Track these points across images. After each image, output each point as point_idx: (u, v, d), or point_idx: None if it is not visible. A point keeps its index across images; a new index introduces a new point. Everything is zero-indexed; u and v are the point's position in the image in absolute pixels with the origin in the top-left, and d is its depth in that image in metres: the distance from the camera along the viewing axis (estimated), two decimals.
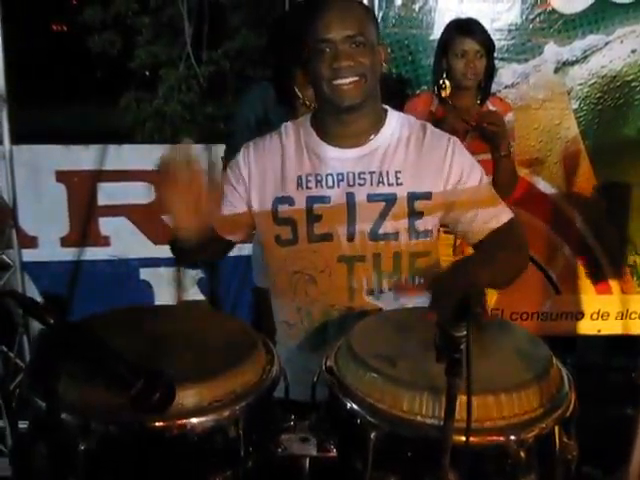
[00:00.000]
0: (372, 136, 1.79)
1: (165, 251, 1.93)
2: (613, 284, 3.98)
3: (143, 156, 3.97)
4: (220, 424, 1.24)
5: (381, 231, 1.75)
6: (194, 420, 1.21)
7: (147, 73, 6.83)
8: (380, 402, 1.23)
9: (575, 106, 3.68)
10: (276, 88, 2.83)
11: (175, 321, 1.51)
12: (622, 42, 3.64)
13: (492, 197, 1.82)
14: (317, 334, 1.81)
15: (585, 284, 3.98)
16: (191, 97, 6.27)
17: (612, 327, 4.01)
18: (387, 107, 1.86)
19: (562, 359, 1.40)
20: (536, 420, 1.22)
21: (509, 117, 3.00)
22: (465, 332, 1.07)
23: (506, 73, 3.56)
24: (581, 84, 3.66)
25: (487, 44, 2.88)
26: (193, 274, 3.80)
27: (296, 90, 2.83)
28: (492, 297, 3.71)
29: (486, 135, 2.74)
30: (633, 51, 3.67)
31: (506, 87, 3.57)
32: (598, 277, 3.99)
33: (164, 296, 3.71)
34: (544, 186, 3.75)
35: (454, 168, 1.77)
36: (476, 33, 2.86)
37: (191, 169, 1.52)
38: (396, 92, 3.37)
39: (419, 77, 3.47)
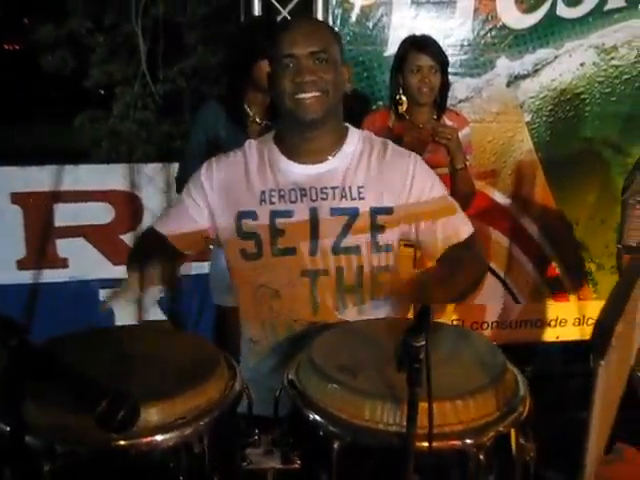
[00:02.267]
0: (335, 152, 1.82)
1: (125, 271, 1.93)
2: (570, 291, 4.07)
3: (100, 176, 3.97)
4: (185, 440, 1.24)
5: (343, 245, 1.77)
6: (159, 437, 1.21)
7: (102, 92, 6.79)
8: (342, 412, 1.25)
9: (528, 119, 3.78)
10: (228, 106, 2.84)
11: (137, 341, 1.51)
12: (571, 56, 3.76)
13: (454, 212, 1.85)
14: (281, 350, 1.82)
15: (543, 292, 4.07)
16: (147, 115, 6.24)
17: (570, 333, 4.10)
18: (348, 125, 1.89)
19: (523, 367, 1.44)
20: (493, 424, 1.24)
21: (465, 131, 3.06)
22: (424, 342, 1.09)
23: (460, 88, 3.64)
24: (533, 97, 3.76)
25: (441, 60, 2.94)
26: (154, 294, 3.77)
27: (247, 108, 2.85)
28: (452, 308, 3.75)
29: (447, 148, 2.81)
30: (582, 64, 3.78)
31: (460, 101, 3.65)
32: (555, 285, 4.07)
33: (125, 317, 3.68)
34: (500, 197, 3.83)
35: (416, 184, 1.80)
36: (430, 49, 2.92)
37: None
38: (353, 108, 3.40)
39: (375, 93, 3.53)
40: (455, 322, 3.87)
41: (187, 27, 6.45)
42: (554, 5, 3.67)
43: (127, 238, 3.87)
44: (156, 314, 3.76)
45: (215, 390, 1.31)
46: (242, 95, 2.82)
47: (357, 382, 1.28)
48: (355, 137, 1.86)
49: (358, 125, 2.94)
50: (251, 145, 1.88)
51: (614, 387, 1.17)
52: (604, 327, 0.89)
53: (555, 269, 4.04)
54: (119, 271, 3.54)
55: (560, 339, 4.11)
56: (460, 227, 1.84)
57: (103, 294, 3.73)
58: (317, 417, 1.27)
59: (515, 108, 3.74)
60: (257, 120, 2.83)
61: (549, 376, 3.84)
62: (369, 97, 3.53)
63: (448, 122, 3.02)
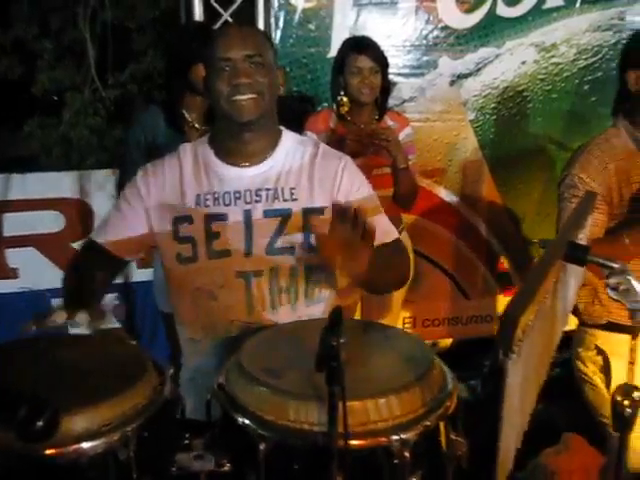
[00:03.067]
0: (268, 155, 1.84)
1: None
2: (518, 285, 4.13)
3: (50, 184, 3.92)
4: (111, 447, 1.23)
5: (277, 246, 1.79)
6: (85, 445, 1.21)
7: (55, 98, 6.69)
8: (268, 414, 1.26)
9: (472, 117, 3.83)
10: (166, 111, 2.83)
11: (70, 349, 1.50)
12: (512, 54, 3.82)
13: (378, 212, 1.89)
14: (221, 350, 1.83)
15: (493, 288, 4.12)
16: (98, 121, 6.16)
17: None
18: (282, 127, 1.91)
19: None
20: (418, 420, 1.26)
21: (407, 131, 3.09)
22: (341, 341, 1.11)
23: (404, 88, 3.68)
24: (476, 96, 3.81)
25: (381, 60, 2.97)
26: (108, 301, 3.75)
27: (184, 113, 2.85)
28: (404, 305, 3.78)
29: (387, 149, 2.84)
30: (523, 62, 3.85)
31: (405, 101, 3.69)
32: (505, 280, 4.13)
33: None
34: (447, 195, 3.88)
35: (343, 184, 1.84)
36: (370, 50, 2.94)
37: None
38: (298, 110, 3.42)
39: (319, 94, 3.54)
40: (407, 320, 3.92)
41: (136, 31, 6.39)
42: (494, 5, 3.73)
43: (78, 246, 3.82)
44: (111, 321, 3.74)
45: (142, 396, 1.31)
46: (180, 100, 2.82)
47: (282, 383, 1.30)
48: (288, 139, 1.88)
49: (302, 126, 2.99)
50: (186, 149, 1.89)
51: (531, 379, 1.20)
52: (509, 320, 0.91)
53: (504, 264, 4.10)
54: None
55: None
56: (389, 228, 1.89)
57: (55, 304, 3.69)
58: (244, 420, 1.28)
59: (459, 107, 3.79)
60: (196, 125, 2.82)
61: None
62: (313, 98, 3.54)
63: (390, 122, 3.05)
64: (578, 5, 3.88)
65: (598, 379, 2.23)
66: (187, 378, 1.89)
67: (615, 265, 1.25)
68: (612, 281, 1.24)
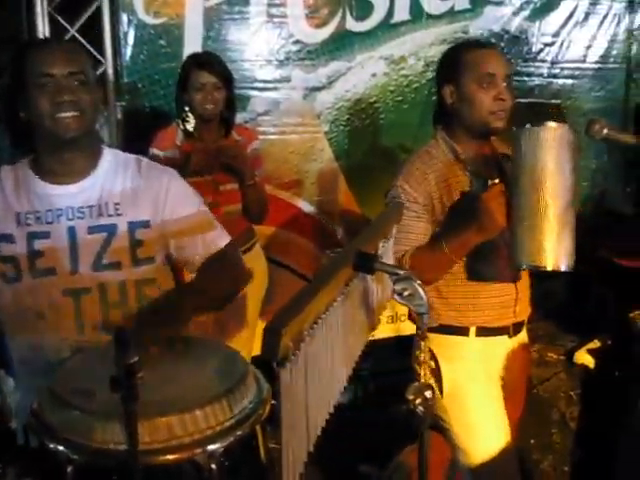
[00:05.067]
0: (91, 171, 1.84)
1: None
2: None
3: None
4: None
5: (104, 262, 1.80)
6: None
7: None
8: (76, 436, 1.27)
9: (326, 129, 3.93)
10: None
11: None
12: (363, 67, 3.95)
13: (209, 225, 1.92)
14: (51, 370, 1.81)
15: None
16: None
17: (385, 331, 4.28)
18: (102, 145, 1.92)
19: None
20: (224, 432, 1.30)
21: (255, 145, 3.13)
22: (134, 360, 1.13)
23: (258, 102, 3.74)
24: (329, 108, 3.92)
25: (225, 75, 2.99)
26: None
27: None
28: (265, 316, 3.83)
29: (229, 168, 2.88)
30: (373, 75, 3.99)
31: (259, 115, 3.74)
32: None
33: None
34: (306, 206, 3.95)
35: (170, 198, 1.86)
36: (212, 66, 2.97)
37: None
38: (148, 126, 3.40)
39: (172, 110, 3.53)
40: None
41: None
42: (343, 19, 3.85)
43: None
44: None
45: None
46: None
47: (91, 404, 1.31)
48: (109, 156, 1.89)
49: (149, 143, 2.99)
50: (6, 170, 1.87)
51: (325, 381, 1.26)
52: (270, 332, 0.97)
53: None
54: None
55: (375, 337, 4.28)
56: (217, 240, 1.91)
57: None
58: (53, 444, 1.29)
59: (313, 119, 3.89)
60: None
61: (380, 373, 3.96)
62: (167, 115, 3.54)
63: (237, 137, 3.08)
64: (424, 20, 4.06)
65: (432, 382, 2.32)
66: (19, 399, 1.87)
67: (400, 272, 1.33)
68: (398, 287, 1.32)
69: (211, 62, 2.98)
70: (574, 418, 3.18)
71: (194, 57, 3.06)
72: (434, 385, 2.30)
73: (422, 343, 1.35)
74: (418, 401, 1.33)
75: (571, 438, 3.20)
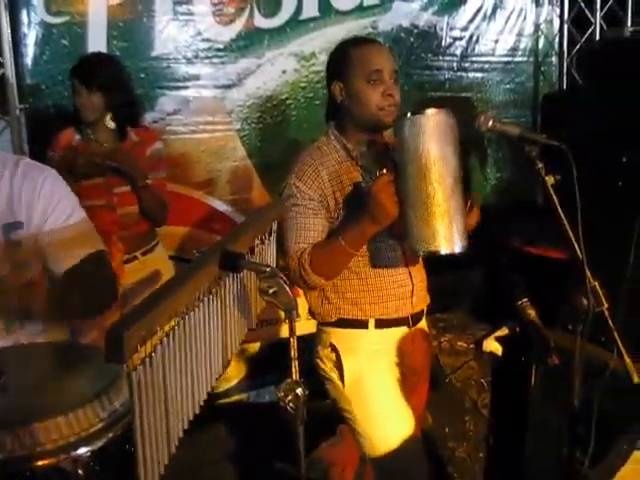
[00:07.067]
0: None
1: None
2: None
3: None
4: None
5: None
6: None
7: None
8: None
9: (238, 127, 3.92)
10: None
11: None
12: (273, 64, 3.95)
13: (86, 231, 1.89)
14: None
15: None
16: None
17: (305, 328, 4.29)
18: None
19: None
20: (91, 437, 1.29)
21: (157, 146, 3.10)
22: None
23: (167, 101, 3.70)
24: (240, 106, 3.90)
25: (114, 79, 2.97)
26: None
27: None
28: None
29: (117, 170, 2.86)
30: (284, 72, 3.99)
31: (169, 114, 3.71)
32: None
33: None
34: (219, 205, 3.93)
35: (42, 197, 1.82)
36: (88, 72, 2.93)
37: None
38: (56, 128, 3.34)
39: None
40: None
41: None
42: (251, 17, 3.84)
43: None
44: None
45: None
46: None
47: None
48: None
49: (49, 144, 2.94)
50: None
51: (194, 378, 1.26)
52: (111, 337, 0.96)
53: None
54: None
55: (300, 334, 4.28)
56: (87, 244, 1.87)
57: None
58: None
59: (224, 117, 3.87)
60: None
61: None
62: (71, 115, 3.47)
63: (135, 138, 3.04)
64: (333, 15, 4.08)
65: (335, 375, 2.33)
66: None
67: (266, 269, 1.34)
68: (263, 285, 1.32)
69: (88, 68, 2.94)
70: (485, 405, 3.24)
71: (78, 64, 2.99)
72: (336, 377, 2.35)
73: (292, 340, 1.35)
74: (289, 398, 1.34)
75: (484, 424, 3.26)
